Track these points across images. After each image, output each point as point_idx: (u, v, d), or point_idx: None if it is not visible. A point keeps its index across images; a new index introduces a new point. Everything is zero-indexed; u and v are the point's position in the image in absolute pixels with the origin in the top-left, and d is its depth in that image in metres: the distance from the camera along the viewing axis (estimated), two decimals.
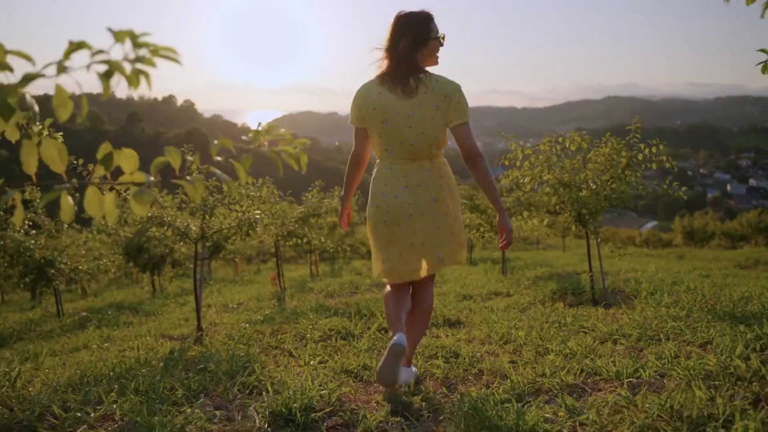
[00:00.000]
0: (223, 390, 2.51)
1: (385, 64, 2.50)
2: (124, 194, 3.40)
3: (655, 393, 2.00)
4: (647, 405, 1.85)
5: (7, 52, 0.97)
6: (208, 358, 3.11)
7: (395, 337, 2.31)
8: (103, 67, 0.98)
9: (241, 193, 4.37)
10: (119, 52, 0.99)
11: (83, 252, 8.52)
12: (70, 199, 1.06)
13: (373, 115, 2.46)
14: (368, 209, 2.59)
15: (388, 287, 2.65)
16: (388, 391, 2.40)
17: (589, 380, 2.31)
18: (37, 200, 6.00)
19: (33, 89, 1.01)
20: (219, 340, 3.85)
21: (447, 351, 2.98)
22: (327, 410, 2.17)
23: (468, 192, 7.89)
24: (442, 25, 2.57)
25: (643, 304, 3.96)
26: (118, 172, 1.16)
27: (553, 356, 2.67)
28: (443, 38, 2.53)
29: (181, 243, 4.51)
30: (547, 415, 1.94)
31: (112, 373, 2.94)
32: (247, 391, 2.50)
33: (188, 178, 1.17)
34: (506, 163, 4.82)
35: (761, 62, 1.90)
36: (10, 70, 0.98)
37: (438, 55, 2.55)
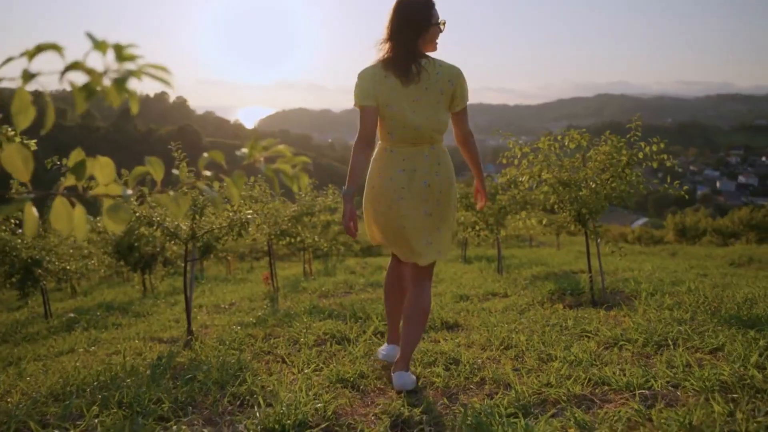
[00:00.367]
0: (212, 401, 2.39)
1: (386, 48, 2.50)
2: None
3: (669, 407, 1.90)
4: (663, 421, 1.75)
5: None
6: (198, 365, 2.99)
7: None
8: (81, 78, 0.85)
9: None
10: (99, 60, 0.86)
11: (71, 251, 8.36)
12: (34, 210, 0.93)
13: (380, 99, 2.47)
14: (365, 190, 2.63)
15: (389, 268, 2.84)
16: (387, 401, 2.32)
17: (597, 390, 2.20)
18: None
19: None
20: (209, 345, 3.73)
21: (447, 357, 2.87)
22: (323, 426, 2.05)
23: (463, 190, 7.78)
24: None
25: (644, 306, 3.86)
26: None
27: (557, 364, 2.57)
28: (443, 24, 2.53)
29: (171, 243, 4.36)
30: (556, 431, 1.83)
31: (95, 383, 2.81)
32: (238, 403, 2.38)
33: (171, 193, 1.05)
34: (504, 161, 4.71)
35: None
36: None
37: (437, 41, 2.56)
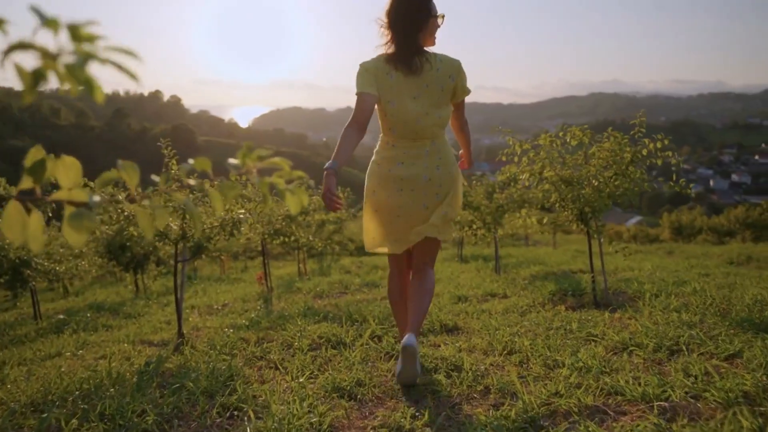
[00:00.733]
0: (200, 413, 2.25)
1: (387, 42, 2.49)
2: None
3: (692, 421, 1.77)
4: None
5: None
6: (186, 372, 2.85)
7: (405, 339, 2.40)
8: (30, 62, 0.71)
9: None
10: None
11: (61, 250, 8.19)
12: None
13: (381, 94, 2.48)
14: (366, 184, 2.66)
15: (389, 277, 2.84)
16: (388, 408, 2.18)
17: (610, 401, 2.07)
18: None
19: None
20: (200, 349, 3.59)
21: (448, 363, 2.73)
22: None
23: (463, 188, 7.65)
24: None
25: (649, 307, 3.74)
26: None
27: (565, 371, 2.43)
28: (442, 17, 2.53)
29: (161, 243, 4.21)
30: None
31: (78, 392, 2.66)
32: (228, 415, 2.24)
33: (145, 203, 0.91)
34: (504, 158, 4.58)
35: None
36: None
37: (436, 35, 2.56)
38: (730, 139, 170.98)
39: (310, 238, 8.38)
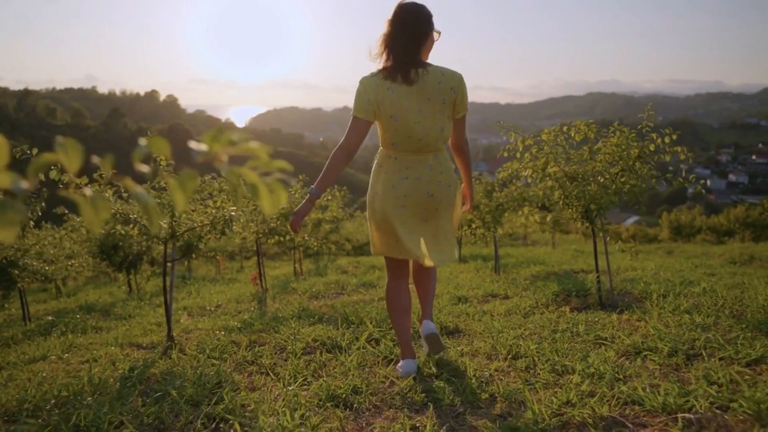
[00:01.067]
0: (183, 424, 2.08)
1: (386, 57, 2.49)
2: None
3: None
4: None
5: None
6: (171, 379, 2.68)
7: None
8: None
9: (215, 187, 3.92)
10: None
11: (51, 251, 8.01)
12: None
13: (383, 110, 2.47)
14: (368, 195, 2.65)
15: (388, 288, 2.76)
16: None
17: (628, 412, 1.90)
18: None
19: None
20: (189, 353, 3.42)
21: (450, 369, 2.57)
22: None
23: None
24: None
25: (658, 309, 3.59)
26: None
27: (576, 377, 2.27)
28: (438, 34, 2.57)
29: (149, 243, 4.04)
30: None
31: (55, 400, 2.49)
32: (213, 426, 2.07)
33: (85, 192, 0.73)
34: (505, 154, 4.42)
35: None
36: None
37: (431, 50, 2.60)
38: (728, 139, 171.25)
39: (306, 238, 8.21)
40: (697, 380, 2.06)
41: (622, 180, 3.98)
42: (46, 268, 7.40)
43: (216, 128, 0.77)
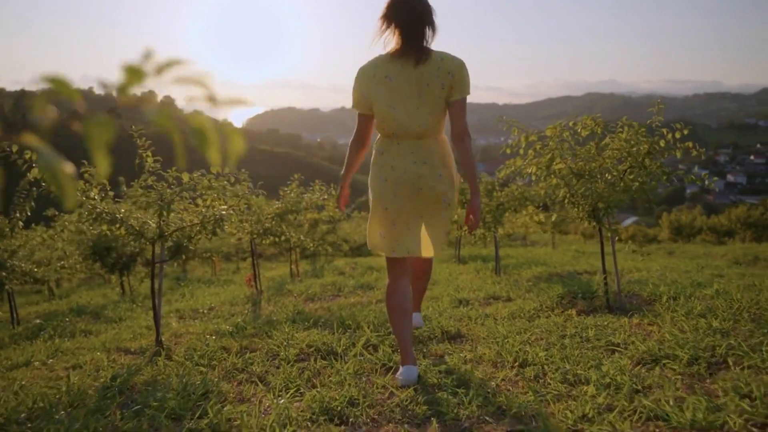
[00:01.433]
0: None
1: (391, 38, 2.47)
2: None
3: None
4: None
5: None
6: (154, 389, 2.50)
7: (405, 374, 2.41)
8: None
9: (204, 185, 3.73)
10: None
11: (42, 252, 7.82)
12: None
13: (379, 99, 2.46)
14: (375, 184, 2.57)
15: (389, 289, 2.61)
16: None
17: (652, 428, 1.72)
18: None
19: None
20: (176, 360, 3.24)
21: (453, 379, 2.39)
22: None
23: (460, 187, 7.31)
24: None
25: (670, 312, 3.41)
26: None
27: (591, 388, 2.09)
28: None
29: (137, 244, 3.86)
30: None
31: (27, 413, 2.31)
32: None
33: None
34: (508, 151, 4.24)
35: None
36: None
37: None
38: (726, 139, 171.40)
39: (302, 238, 8.02)
40: (726, 393, 1.88)
41: (631, 177, 3.81)
42: (35, 270, 7.21)
43: (146, 49, 0.59)
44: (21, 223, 6.82)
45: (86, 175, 3.68)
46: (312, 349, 3.13)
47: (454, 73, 2.44)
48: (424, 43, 2.46)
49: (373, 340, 3.20)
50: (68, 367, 3.64)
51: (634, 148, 3.76)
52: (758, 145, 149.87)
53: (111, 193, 3.79)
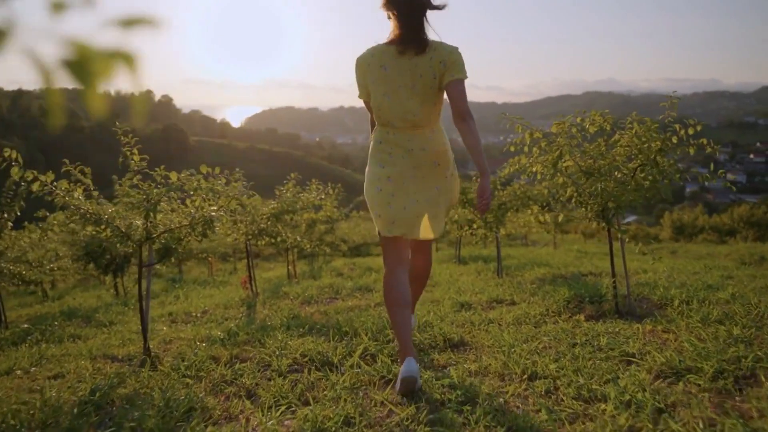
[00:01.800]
0: None
1: (393, 27, 2.46)
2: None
3: None
4: None
5: None
6: (134, 406, 2.31)
7: (405, 366, 2.26)
8: None
9: (192, 185, 3.54)
10: None
11: (33, 254, 7.63)
12: None
13: (375, 88, 2.49)
14: (371, 171, 2.56)
15: (387, 283, 2.52)
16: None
17: None
18: None
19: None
20: (162, 370, 3.05)
21: (457, 394, 2.20)
22: None
23: (461, 185, 7.12)
24: None
25: (685, 318, 3.22)
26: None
27: (610, 407, 1.90)
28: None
29: (122, 246, 3.67)
30: None
31: None
32: None
33: None
34: (512, 149, 4.05)
35: None
36: None
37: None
38: (725, 138, 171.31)
39: (298, 239, 7.83)
40: (762, 414, 1.69)
41: (642, 175, 3.62)
42: (24, 272, 7.01)
43: None
44: (10, 224, 6.63)
45: (73, 177, 3.51)
46: (306, 359, 2.94)
47: (446, 59, 2.43)
48: (423, 34, 2.43)
49: (371, 349, 3.00)
50: (51, 377, 3.45)
51: (645, 145, 3.57)
52: (758, 144, 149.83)
53: (96, 193, 3.61)
